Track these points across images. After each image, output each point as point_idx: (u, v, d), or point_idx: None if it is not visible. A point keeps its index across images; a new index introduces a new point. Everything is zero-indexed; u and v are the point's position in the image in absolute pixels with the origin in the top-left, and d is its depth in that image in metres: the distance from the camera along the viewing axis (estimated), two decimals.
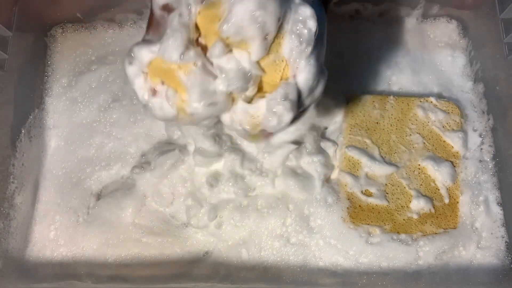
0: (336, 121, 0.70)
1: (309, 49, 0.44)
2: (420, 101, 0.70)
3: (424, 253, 0.62)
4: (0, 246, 0.64)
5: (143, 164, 0.68)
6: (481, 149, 0.68)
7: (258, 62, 0.44)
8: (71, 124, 0.73)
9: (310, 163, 0.66)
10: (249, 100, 0.46)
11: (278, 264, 0.63)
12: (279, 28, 0.44)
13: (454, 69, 0.74)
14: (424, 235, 0.63)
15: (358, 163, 0.66)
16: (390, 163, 0.66)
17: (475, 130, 0.69)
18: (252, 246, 0.64)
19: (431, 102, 0.70)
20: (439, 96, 0.71)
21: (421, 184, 0.65)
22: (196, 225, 0.65)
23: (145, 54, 0.46)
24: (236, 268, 0.64)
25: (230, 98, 0.46)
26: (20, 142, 0.69)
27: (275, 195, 0.66)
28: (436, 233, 0.63)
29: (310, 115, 0.70)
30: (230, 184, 0.65)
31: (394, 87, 0.73)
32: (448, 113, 0.69)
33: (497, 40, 0.67)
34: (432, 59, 0.74)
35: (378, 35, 0.76)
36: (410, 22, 0.76)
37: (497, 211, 0.65)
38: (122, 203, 0.67)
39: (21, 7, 0.71)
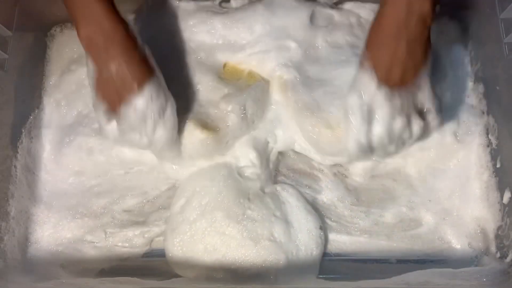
0: None
1: None
2: None
3: None
4: (0, 246, 0.64)
5: None
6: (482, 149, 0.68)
7: None
8: (69, 124, 0.73)
9: None
10: None
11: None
12: None
13: (454, 69, 0.74)
14: None
15: None
16: None
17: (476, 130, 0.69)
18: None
19: None
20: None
21: None
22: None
23: None
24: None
25: None
26: (20, 142, 0.69)
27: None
28: None
29: None
30: None
31: None
32: None
33: (497, 40, 0.67)
34: (432, 58, 0.74)
35: None
36: None
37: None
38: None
39: (21, 7, 0.71)
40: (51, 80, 0.76)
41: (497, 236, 0.65)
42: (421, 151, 0.68)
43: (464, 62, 0.74)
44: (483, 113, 0.70)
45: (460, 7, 0.74)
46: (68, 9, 0.55)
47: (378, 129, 0.56)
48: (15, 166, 0.68)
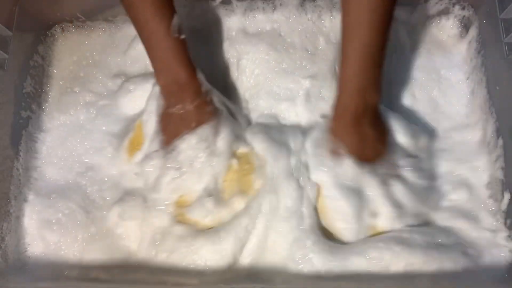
0: None
1: None
2: None
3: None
4: (0, 247, 0.64)
5: None
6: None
7: None
8: (70, 124, 0.73)
9: None
10: None
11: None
12: None
13: (453, 69, 0.74)
14: None
15: None
16: None
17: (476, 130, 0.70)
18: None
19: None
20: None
21: None
22: None
23: None
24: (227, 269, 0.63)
25: None
26: (20, 143, 0.69)
27: None
28: None
29: None
30: None
31: (393, 85, 0.74)
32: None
33: (497, 40, 0.67)
34: (432, 59, 0.74)
35: None
36: (410, 23, 0.76)
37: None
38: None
39: (21, 7, 0.71)
40: (51, 80, 0.76)
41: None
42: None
43: (464, 62, 0.74)
44: (484, 113, 0.70)
45: (460, 8, 0.74)
46: (148, 54, 0.63)
47: (385, 206, 0.60)
48: (16, 167, 0.68)
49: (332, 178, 0.61)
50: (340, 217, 0.61)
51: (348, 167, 0.60)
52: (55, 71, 0.77)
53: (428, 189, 0.64)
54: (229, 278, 0.61)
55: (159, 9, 0.60)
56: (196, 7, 0.76)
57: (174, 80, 0.62)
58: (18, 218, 0.67)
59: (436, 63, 0.74)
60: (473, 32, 0.73)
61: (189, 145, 0.62)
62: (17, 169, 0.68)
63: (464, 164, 0.68)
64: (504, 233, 0.63)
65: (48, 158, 0.72)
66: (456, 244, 0.63)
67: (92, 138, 0.72)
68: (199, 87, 0.63)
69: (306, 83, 0.72)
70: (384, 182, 0.61)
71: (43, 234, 0.67)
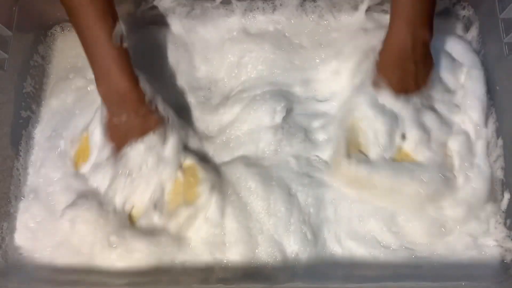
0: None
1: None
2: None
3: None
4: (1, 246, 0.64)
5: None
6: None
7: None
8: (70, 124, 0.73)
9: None
10: None
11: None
12: None
13: (453, 68, 0.74)
14: None
15: None
16: None
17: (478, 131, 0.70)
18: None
19: None
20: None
21: None
22: None
23: None
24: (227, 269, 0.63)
25: None
26: (20, 143, 0.70)
27: None
28: None
29: None
30: None
31: None
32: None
33: (497, 40, 0.67)
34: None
35: (376, 36, 0.75)
36: None
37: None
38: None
39: (21, 7, 0.71)
40: (52, 80, 0.76)
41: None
42: None
43: (463, 62, 0.74)
44: (484, 113, 0.70)
45: (460, 7, 0.74)
46: (89, 61, 0.62)
47: (414, 130, 0.64)
48: (16, 167, 0.68)
49: (369, 100, 0.65)
50: (373, 134, 0.65)
51: (385, 97, 0.64)
52: (55, 71, 0.77)
53: (454, 122, 0.68)
54: (228, 278, 0.62)
55: (101, 15, 0.59)
56: (196, 7, 0.76)
57: (115, 90, 0.61)
58: (19, 218, 0.67)
59: (435, 62, 0.74)
60: (473, 32, 0.73)
61: (138, 152, 0.62)
62: (17, 169, 0.69)
63: (463, 164, 0.68)
64: (503, 233, 0.64)
65: (48, 158, 0.71)
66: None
67: (75, 124, 0.72)
68: (142, 97, 0.63)
69: (332, 64, 0.73)
70: (417, 110, 0.65)
71: (45, 235, 0.67)
